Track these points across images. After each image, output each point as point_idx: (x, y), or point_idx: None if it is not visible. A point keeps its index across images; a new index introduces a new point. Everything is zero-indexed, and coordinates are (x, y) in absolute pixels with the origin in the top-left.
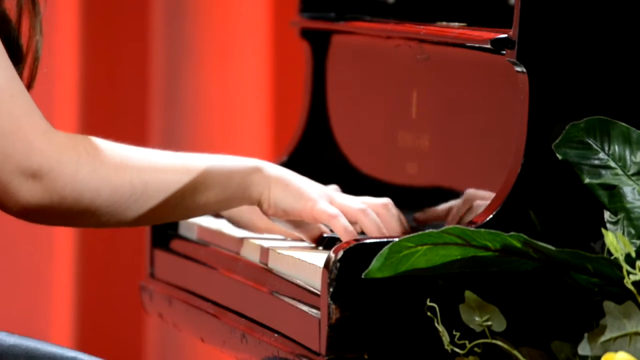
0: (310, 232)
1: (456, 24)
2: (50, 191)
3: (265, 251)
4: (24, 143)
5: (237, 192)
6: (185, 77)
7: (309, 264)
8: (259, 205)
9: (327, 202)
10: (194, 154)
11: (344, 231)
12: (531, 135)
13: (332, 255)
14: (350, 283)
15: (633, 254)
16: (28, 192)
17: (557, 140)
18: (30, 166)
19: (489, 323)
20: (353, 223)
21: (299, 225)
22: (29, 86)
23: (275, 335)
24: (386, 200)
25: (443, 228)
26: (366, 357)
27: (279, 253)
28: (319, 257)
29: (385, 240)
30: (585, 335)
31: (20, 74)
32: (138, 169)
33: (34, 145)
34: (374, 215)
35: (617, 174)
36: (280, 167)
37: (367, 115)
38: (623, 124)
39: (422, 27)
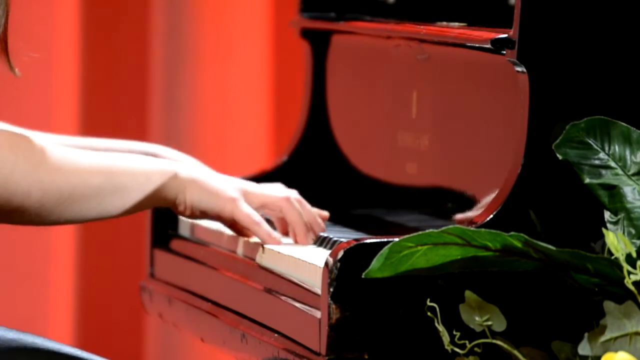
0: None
1: (456, 24)
2: None
3: (265, 251)
4: None
5: (154, 195)
6: (185, 77)
7: (309, 264)
8: (175, 207)
9: (244, 196)
10: (115, 153)
11: (268, 237)
12: (531, 135)
13: (332, 255)
14: (350, 283)
15: (634, 254)
16: None
17: (557, 140)
18: None
19: (489, 323)
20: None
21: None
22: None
23: (275, 335)
24: (297, 195)
25: (443, 228)
26: (366, 357)
27: (279, 253)
28: (319, 257)
29: (385, 240)
30: (586, 335)
31: None
32: (68, 173)
33: None
34: (297, 204)
35: (617, 174)
36: (195, 167)
37: (367, 115)
38: (623, 124)
39: (422, 27)
